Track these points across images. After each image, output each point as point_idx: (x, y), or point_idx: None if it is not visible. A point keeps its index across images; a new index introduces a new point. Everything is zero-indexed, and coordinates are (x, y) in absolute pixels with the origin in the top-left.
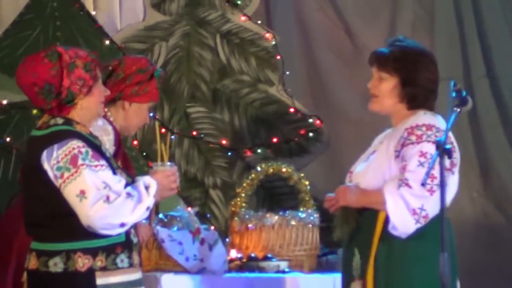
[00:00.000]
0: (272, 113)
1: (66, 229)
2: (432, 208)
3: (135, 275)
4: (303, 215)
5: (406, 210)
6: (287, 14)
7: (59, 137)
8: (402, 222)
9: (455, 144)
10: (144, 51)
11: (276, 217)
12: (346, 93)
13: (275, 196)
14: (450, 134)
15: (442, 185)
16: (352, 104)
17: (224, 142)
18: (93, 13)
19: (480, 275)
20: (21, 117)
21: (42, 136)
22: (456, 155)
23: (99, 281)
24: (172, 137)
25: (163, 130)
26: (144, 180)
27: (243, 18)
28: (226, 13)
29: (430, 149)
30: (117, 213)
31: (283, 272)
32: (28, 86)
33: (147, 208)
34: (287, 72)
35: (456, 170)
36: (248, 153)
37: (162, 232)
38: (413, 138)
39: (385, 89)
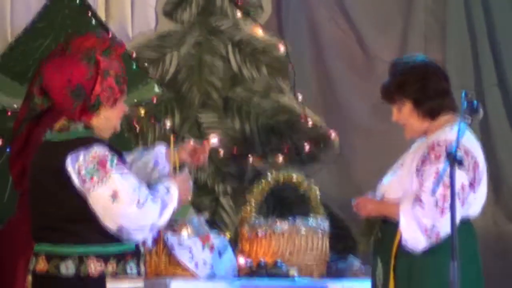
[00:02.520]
0: (283, 121)
1: (81, 233)
2: (444, 227)
3: (140, 284)
4: (313, 223)
5: (418, 229)
6: (299, 24)
7: (85, 142)
8: (413, 239)
9: (479, 159)
10: (156, 60)
11: (286, 224)
12: (357, 102)
13: (285, 204)
14: (476, 150)
15: (453, 196)
16: (363, 113)
17: (234, 149)
18: (105, 21)
19: (490, 283)
20: None
21: (64, 140)
22: (480, 171)
23: (109, 286)
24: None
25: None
26: (164, 184)
27: (255, 27)
28: (238, 22)
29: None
30: (147, 216)
31: (293, 278)
32: (59, 85)
33: (173, 211)
34: (298, 82)
35: (478, 187)
36: (259, 161)
37: (172, 239)
38: (432, 156)
39: (405, 116)
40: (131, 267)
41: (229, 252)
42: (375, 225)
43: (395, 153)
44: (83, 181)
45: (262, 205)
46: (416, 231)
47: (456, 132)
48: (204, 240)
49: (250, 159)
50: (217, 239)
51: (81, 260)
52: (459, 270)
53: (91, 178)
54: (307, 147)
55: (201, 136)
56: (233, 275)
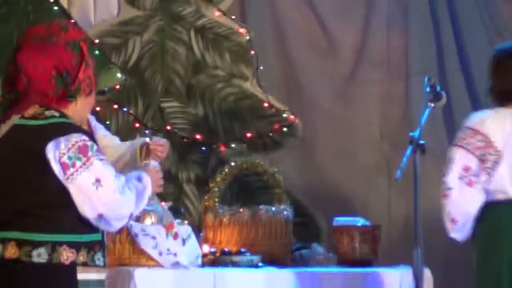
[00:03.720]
0: (246, 108)
1: (55, 220)
2: (454, 210)
3: (104, 275)
4: (277, 210)
5: (443, 213)
6: (261, 9)
7: (64, 129)
8: (444, 224)
9: (494, 139)
10: (118, 46)
11: (250, 211)
12: (320, 88)
13: (249, 191)
14: (492, 130)
15: (416, 182)
16: (326, 99)
17: (198, 137)
18: (67, 7)
19: (453, 269)
20: None
21: (42, 126)
22: (494, 151)
23: (80, 276)
24: (147, 132)
25: (137, 125)
26: (137, 174)
27: (217, 13)
28: (200, 8)
29: (450, 152)
30: (128, 204)
31: (257, 266)
32: (46, 68)
33: (148, 200)
34: (261, 67)
35: (494, 166)
36: (222, 148)
37: (136, 227)
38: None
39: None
40: (99, 258)
41: (193, 240)
42: None
43: (358, 137)
44: (65, 168)
45: (226, 193)
46: (443, 216)
47: (472, 115)
48: (168, 228)
49: (214, 146)
50: (181, 227)
51: (54, 248)
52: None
53: (73, 164)
54: (270, 133)
55: (164, 123)
56: (197, 263)
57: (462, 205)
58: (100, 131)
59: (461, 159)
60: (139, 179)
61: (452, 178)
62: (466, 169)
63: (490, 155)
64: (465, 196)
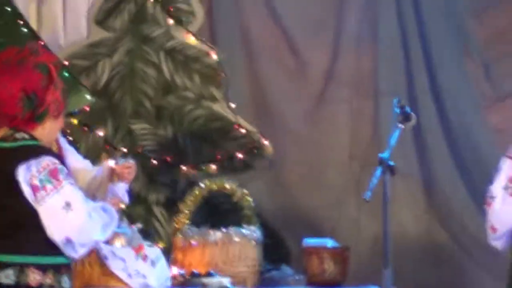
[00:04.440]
0: (216, 129)
1: (23, 242)
2: (494, 220)
3: None
4: (247, 232)
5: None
6: (231, 31)
7: (35, 152)
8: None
9: None
10: (88, 68)
11: (219, 233)
12: (289, 108)
13: (219, 213)
14: None
15: (385, 203)
16: (295, 119)
17: (167, 158)
18: (37, 30)
19: None
20: None
21: (12, 148)
22: None
23: None
24: (117, 156)
25: (107, 147)
26: (103, 205)
27: (187, 35)
28: (170, 30)
29: (501, 162)
30: (95, 229)
31: None
32: (13, 90)
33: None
34: (231, 89)
35: None
36: (192, 170)
37: (105, 249)
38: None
39: None
40: (65, 280)
41: (162, 262)
42: None
43: (327, 158)
44: (35, 190)
45: (195, 215)
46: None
47: None
48: (137, 250)
49: (183, 168)
50: (150, 249)
51: (21, 269)
52: None
53: (44, 187)
54: (240, 155)
55: (133, 144)
56: (166, 286)
57: (503, 215)
58: (72, 154)
59: (508, 169)
60: (104, 210)
61: (497, 187)
62: (510, 179)
63: None
64: (508, 206)
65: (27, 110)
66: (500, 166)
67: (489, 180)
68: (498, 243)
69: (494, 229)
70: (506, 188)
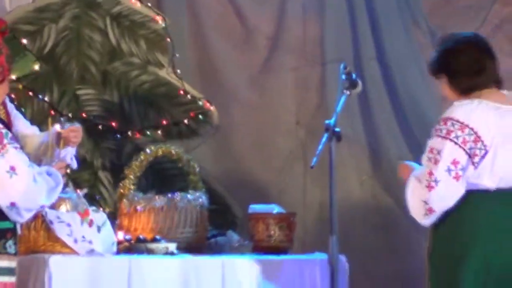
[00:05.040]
0: (161, 95)
1: None
2: (435, 202)
3: (15, 263)
4: (192, 197)
5: (415, 201)
6: None
7: None
8: (415, 212)
9: (481, 132)
10: (34, 33)
11: (165, 199)
12: (236, 75)
13: (165, 178)
14: (480, 123)
15: (331, 170)
16: (242, 86)
17: (113, 124)
18: None
19: (371, 256)
20: None
21: None
22: (481, 145)
23: None
24: (62, 119)
25: (52, 112)
26: (48, 169)
27: (133, 0)
28: None
29: (437, 144)
30: (40, 194)
31: (172, 254)
32: None
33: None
34: (177, 55)
35: (482, 160)
36: (138, 135)
37: (51, 214)
38: (432, 132)
39: (445, 90)
40: (10, 245)
41: (108, 227)
42: None
43: (274, 124)
44: None
45: (141, 180)
46: (415, 204)
47: (455, 108)
48: (83, 215)
49: (129, 133)
50: (96, 214)
51: None
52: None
53: None
54: (186, 120)
55: (79, 110)
56: (112, 251)
57: (445, 198)
58: (20, 120)
59: (450, 152)
60: (49, 174)
61: (440, 170)
62: (455, 163)
63: (478, 149)
64: (451, 189)
65: None
66: (439, 148)
67: None
68: (428, 222)
69: (431, 211)
70: (449, 171)
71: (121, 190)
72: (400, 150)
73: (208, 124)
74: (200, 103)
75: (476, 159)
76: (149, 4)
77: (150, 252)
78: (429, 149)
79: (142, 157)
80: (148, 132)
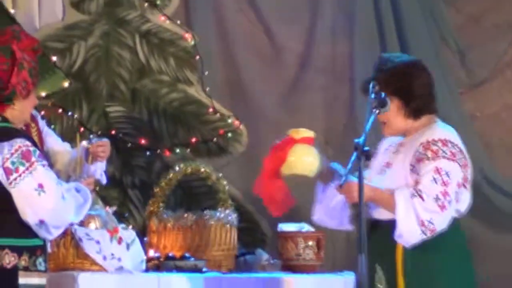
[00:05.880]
0: (190, 113)
1: None
2: (440, 223)
3: (45, 280)
4: (221, 215)
5: (415, 220)
6: (207, 15)
7: (7, 134)
8: (409, 231)
9: (467, 157)
10: (63, 50)
11: (194, 216)
12: (264, 93)
13: (193, 196)
14: (463, 149)
15: (361, 189)
16: (270, 104)
17: (142, 141)
18: (12, 11)
19: None
20: None
21: None
22: (470, 170)
23: (21, 280)
24: (91, 135)
25: (81, 129)
26: (76, 185)
27: (162, 18)
28: (145, 13)
29: (445, 165)
30: (68, 211)
31: (201, 271)
32: None
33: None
34: (206, 73)
35: (468, 185)
36: (167, 153)
37: (80, 231)
38: (429, 154)
39: (391, 114)
40: (40, 262)
41: (137, 245)
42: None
43: None
44: (8, 173)
45: (170, 198)
46: (414, 223)
47: (446, 130)
48: (112, 232)
49: (158, 151)
50: (125, 232)
51: None
52: (453, 269)
53: (16, 169)
54: (215, 138)
55: (108, 127)
56: (141, 268)
57: (446, 220)
58: (52, 137)
59: (457, 175)
60: (78, 190)
61: (452, 192)
62: (459, 185)
63: (468, 174)
64: (452, 212)
65: None
66: (447, 169)
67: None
68: (415, 244)
69: (433, 231)
70: (455, 193)
71: (150, 208)
72: None
73: (237, 142)
74: (229, 121)
75: (467, 184)
76: (178, 22)
77: (179, 269)
78: (434, 170)
79: (171, 175)
80: (177, 150)
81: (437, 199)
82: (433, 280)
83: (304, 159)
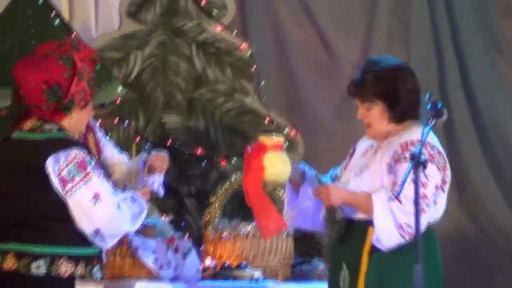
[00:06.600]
0: (247, 123)
1: (54, 233)
2: (421, 225)
3: None
4: None
5: (393, 224)
6: (263, 24)
7: (64, 144)
8: (388, 236)
9: (446, 160)
10: (120, 60)
11: (250, 226)
12: (320, 103)
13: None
14: (442, 151)
15: (417, 198)
16: (326, 114)
17: (199, 151)
18: (69, 21)
19: (455, 285)
20: None
21: (41, 140)
22: (448, 173)
23: None
24: (147, 145)
25: (138, 139)
26: (133, 195)
27: (218, 28)
28: (202, 23)
29: (427, 168)
30: (124, 220)
31: (257, 281)
32: (36, 82)
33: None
34: (263, 82)
35: (446, 188)
36: (223, 163)
37: (136, 240)
38: (407, 154)
39: (375, 116)
40: (97, 271)
41: (193, 254)
42: (337, 224)
43: None
44: (64, 182)
45: (227, 207)
46: (392, 226)
47: (431, 134)
48: (169, 242)
49: (215, 161)
50: (182, 241)
51: (52, 260)
52: (423, 274)
53: (72, 179)
54: None
55: (165, 137)
56: (197, 278)
57: (426, 222)
58: (109, 147)
59: (434, 177)
60: (134, 200)
61: (430, 194)
62: (437, 188)
63: (446, 177)
64: (430, 215)
65: (52, 101)
66: (426, 172)
67: None
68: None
69: (411, 235)
70: (433, 195)
71: (207, 217)
72: (485, 179)
73: (294, 151)
74: (286, 130)
75: (445, 187)
76: (235, 32)
77: (235, 279)
78: (414, 172)
79: (227, 184)
80: (233, 159)
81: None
82: (394, 283)
83: (279, 166)
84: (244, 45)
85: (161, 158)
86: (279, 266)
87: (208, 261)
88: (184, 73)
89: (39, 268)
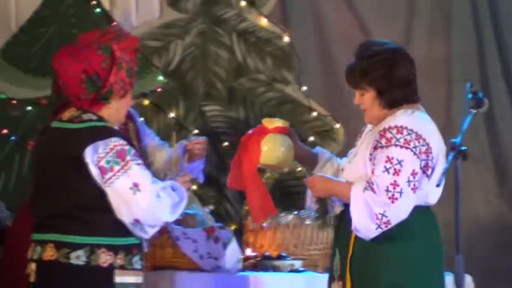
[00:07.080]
0: (287, 112)
1: (93, 223)
2: (394, 215)
3: (141, 278)
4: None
5: (367, 214)
6: (304, 13)
7: (102, 133)
8: (363, 226)
9: (432, 144)
10: (160, 49)
11: (291, 216)
12: None
13: (290, 195)
14: (430, 134)
15: (457, 188)
16: None
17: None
18: (109, 10)
19: (495, 277)
20: (35, 114)
21: (79, 129)
22: (433, 156)
23: (117, 279)
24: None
25: (178, 128)
26: (172, 183)
27: (259, 17)
28: (242, 11)
29: (397, 153)
30: (164, 210)
31: (298, 271)
32: (75, 72)
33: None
34: (303, 72)
35: (433, 173)
36: None
37: (177, 230)
38: (383, 141)
39: (368, 102)
40: (136, 261)
41: (233, 244)
42: (326, 210)
43: None
44: (103, 172)
45: None
46: (366, 217)
47: (408, 117)
48: (209, 232)
49: None
50: (222, 231)
51: (92, 250)
52: (417, 258)
53: (111, 168)
54: (311, 138)
55: (205, 126)
56: (237, 268)
57: (402, 211)
58: (150, 136)
59: (410, 163)
60: (174, 189)
61: (403, 181)
62: (414, 174)
63: (430, 161)
64: (409, 201)
65: (91, 91)
66: (399, 158)
67: None
68: (373, 237)
69: (388, 224)
70: (408, 182)
71: (247, 207)
72: None
73: (334, 141)
74: (326, 120)
75: (429, 172)
76: (275, 21)
77: (275, 269)
78: (386, 159)
79: (268, 174)
80: None
81: (387, 191)
82: (376, 269)
83: (277, 149)
84: (284, 34)
85: (200, 143)
86: (320, 256)
87: (249, 251)
88: (225, 62)
89: (78, 257)
